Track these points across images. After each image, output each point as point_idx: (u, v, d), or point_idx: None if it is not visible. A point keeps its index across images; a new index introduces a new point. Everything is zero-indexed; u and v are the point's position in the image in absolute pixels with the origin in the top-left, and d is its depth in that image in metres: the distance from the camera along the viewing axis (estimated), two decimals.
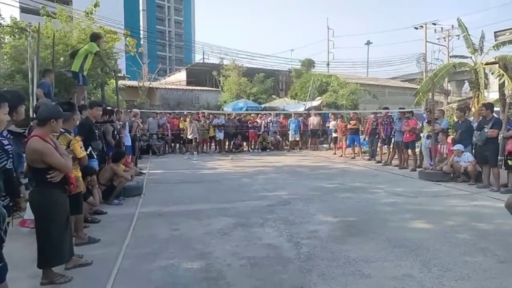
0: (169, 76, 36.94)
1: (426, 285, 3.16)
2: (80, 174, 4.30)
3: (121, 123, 8.14)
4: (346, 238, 4.38)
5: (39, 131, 3.18)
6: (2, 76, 10.80)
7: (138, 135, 10.87)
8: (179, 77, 30.31)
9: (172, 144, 15.15)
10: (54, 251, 3.18)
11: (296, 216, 5.34)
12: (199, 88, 26.41)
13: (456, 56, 17.34)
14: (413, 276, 3.33)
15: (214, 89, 26.55)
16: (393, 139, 10.68)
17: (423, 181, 8.29)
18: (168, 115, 15.34)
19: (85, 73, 6.80)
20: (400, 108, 11.85)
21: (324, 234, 4.53)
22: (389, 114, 11.90)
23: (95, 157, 5.47)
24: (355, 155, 12.76)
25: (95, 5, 13.55)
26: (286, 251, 4.00)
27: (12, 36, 12.43)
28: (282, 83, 29.35)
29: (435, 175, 8.29)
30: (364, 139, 13.08)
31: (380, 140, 11.61)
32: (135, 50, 18.29)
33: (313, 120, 15.59)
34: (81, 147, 4.21)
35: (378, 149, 12.06)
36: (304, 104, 19.94)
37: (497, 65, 13.89)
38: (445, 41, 28.18)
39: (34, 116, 5.07)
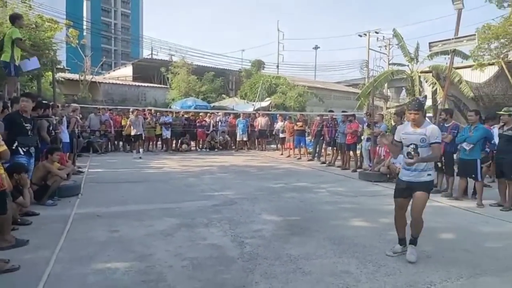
0: (114, 70, 35.33)
1: (361, 280, 3.33)
2: (1, 171, 3.91)
3: (57, 118, 7.63)
4: (289, 237, 4.47)
5: None
6: None
7: (77, 132, 10.23)
8: (125, 72, 29.12)
9: (115, 142, 14.49)
10: None
11: (242, 216, 5.36)
12: (146, 84, 25.54)
13: (395, 64, 18.55)
14: (350, 272, 3.49)
15: (162, 86, 25.84)
16: (336, 141, 11.14)
17: (363, 181, 8.74)
18: (109, 111, 14.60)
19: (17, 63, 6.27)
20: (343, 111, 12.40)
21: (268, 233, 4.59)
22: (334, 117, 12.40)
23: (22, 153, 5.08)
24: (301, 156, 13.11)
25: None
26: (230, 251, 3.99)
27: None
28: (232, 82, 29.36)
29: (373, 175, 8.77)
30: (310, 141, 13.49)
31: (324, 142, 12.04)
32: (77, 41, 17.30)
33: (261, 121, 15.78)
34: None
35: (322, 150, 12.51)
36: (253, 105, 20.12)
37: (430, 74, 15.06)
38: (386, 49, 29.95)
39: None
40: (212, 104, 20.96)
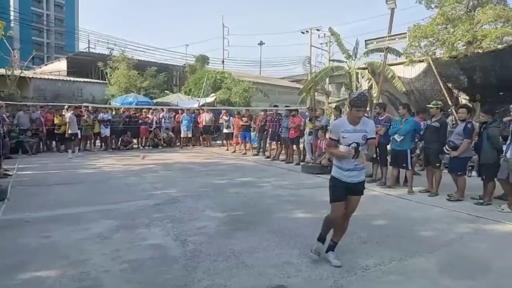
0: (46, 65, 32.75)
1: (302, 269, 3.43)
2: None
3: None
4: (233, 232, 4.48)
5: None
6: None
7: (2, 132, 9.35)
8: (58, 67, 27.10)
9: (48, 142, 13.48)
10: None
11: (185, 214, 5.27)
12: (82, 79, 23.99)
13: (334, 60, 19.32)
14: (291, 262, 3.58)
15: (100, 81, 24.46)
16: (280, 135, 11.35)
17: (305, 174, 9.02)
18: (40, 108, 13.52)
19: None
20: (286, 106, 12.66)
21: (212, 230, 4.56)
22: (278, 112, 12.62)
23: None
24: (246, 151, 13.19)
25: None
26: (172, 250, 3.90)
27: None
28: (176, 78, 28.64)
29: (316, 168, 9.08)
30: (255, 136, 13.62)
31: (269, 137, 12.23)
32: (3, 33, 15.76)
33: (205, 117, 15.61)
34: None
35: (267, 145, 12.69)
36: (198, 100, 19.81)
37: (366, 70, 15.91)
38: (326, 46, 31.05)
39: None
40: (155, 100, 20.28)
